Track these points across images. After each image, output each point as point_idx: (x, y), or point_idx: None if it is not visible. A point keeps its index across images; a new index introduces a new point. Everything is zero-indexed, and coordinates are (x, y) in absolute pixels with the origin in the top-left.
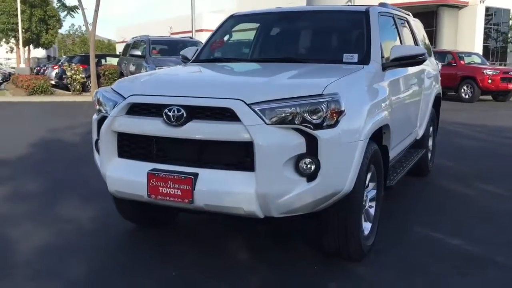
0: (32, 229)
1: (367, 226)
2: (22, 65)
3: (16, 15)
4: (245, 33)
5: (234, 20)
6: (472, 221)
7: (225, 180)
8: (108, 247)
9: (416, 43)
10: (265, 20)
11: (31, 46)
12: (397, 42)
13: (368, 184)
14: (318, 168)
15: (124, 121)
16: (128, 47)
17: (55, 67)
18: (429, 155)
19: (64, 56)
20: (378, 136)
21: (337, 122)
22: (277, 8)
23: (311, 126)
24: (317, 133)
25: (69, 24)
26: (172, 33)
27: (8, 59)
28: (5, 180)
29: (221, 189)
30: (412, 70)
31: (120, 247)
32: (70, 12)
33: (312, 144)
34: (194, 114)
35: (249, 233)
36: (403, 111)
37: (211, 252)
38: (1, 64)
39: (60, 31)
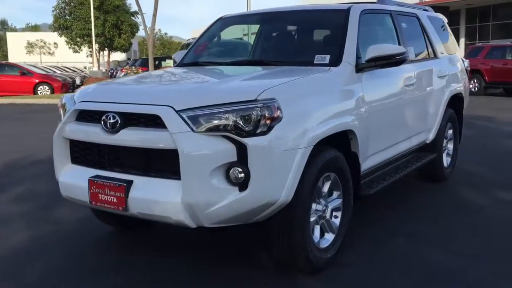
0: (12, 231)
1: (328, 238)
2: (95, 69)
3: (91, 21)
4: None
5: (222, 22)
6: (466, 234)
7: (156, 189)
8: (78, 250)
9: (428, 41)
10: (250, 22)
11: (108, 49)
12: (392, 41)
13: (332, 193)
14: (248, 177)
15: (73, 128)
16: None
17: (123, 70)
18: (446, 160)
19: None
20: (346, 142)
21: (269, 129)
22: (262, 9)
23: (244, 133)
24: (246, 140)
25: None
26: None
27: (91, 62)
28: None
29: (151, 198)
30: (411, 69)
31: (90, 251)
32: (131, 17)
33: (242, 152)
34: (129, 121)
35: (219, 240)
36: (391, 114)
37: (177, 258)
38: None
39: (141, 34)
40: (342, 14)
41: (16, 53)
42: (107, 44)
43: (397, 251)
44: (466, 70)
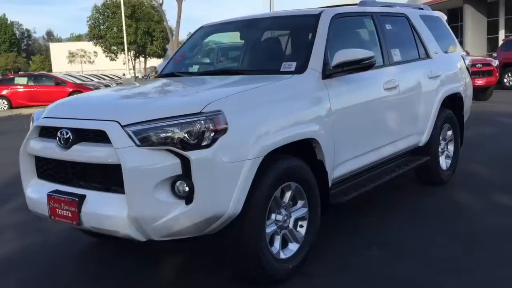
0: (1, 241)
1: (291, 248)
2: (128, 76)
3: (126, 30)
4: None
5: (204, 31)
6: (448, 244)
7: (105, 203)
8: (60, 260)
9: (420, 41)
10: (227, 30)
11: (144, 56)
12: (372, 45)
13: (296, 202)
14: (192, 190)
15: (34, 144)
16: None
17: (154, 76)
18: (446, 162)
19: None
20: (312, 151)
21: (213, 141)
22: (240, 17)
23: (188, 146)
24: (189, 154)
25: (186, 33)
26: None
27: (131, 69)
28: None
29: (101, 212)
30: (393, 72)
31: (72, 261)
32: (157, 24)
33: (187, 166)
34: (81, 137)
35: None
36: (366, 119)
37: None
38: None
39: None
40: (312, 20)
41: (59, 63)
42: (141, 51)
43: (366, 262)
44: (467, 68)
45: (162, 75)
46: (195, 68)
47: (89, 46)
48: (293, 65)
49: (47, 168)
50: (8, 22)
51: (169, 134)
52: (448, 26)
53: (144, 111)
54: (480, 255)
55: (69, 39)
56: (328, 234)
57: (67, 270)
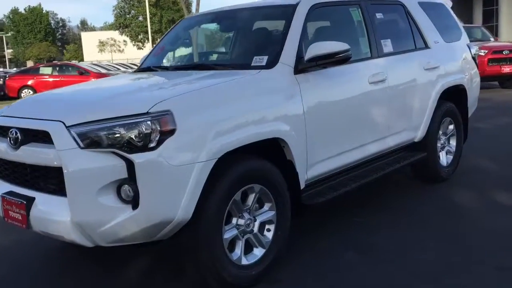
0: None
1: (256, 253)
2: None
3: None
4: None
5: (185, 23)
6: (433, 247)
7: (52, 207)
8: (23, 260)
9: (417, 30)
10: (206, 22)
11: None
12: (358, 36)
13: (263, 205)
14: (138, 195)
15: None
16: None
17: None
18: (447, 158)
19: None
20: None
21: (159, 143)
22: (219, 8)
23: (134, 148)
24: (133, 156)
25: None
26: None
27: None
28: None
29: (47, 216)
30: (381, 64)
31: (33, 262)
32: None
33: (132, 169)
34: (29, 137)
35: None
36: (347, 116)
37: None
38: None
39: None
40: (289, 10)
41: (90, 52)
42: None
43: (341, 267)
44: (473, 58)
45: (140, 69)
46: (171, 62)
47: (119, 35)
48: (264, 59)
49: (4, 169)
50: (44, 11)
51: (114, 136)
52: (452, 13)
53: (91, 111)
54: (467, 262)
55: (102, 28)
56: (307, 236)
57: (31, 269)
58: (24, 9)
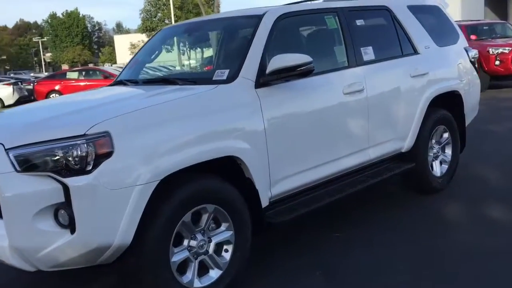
0: None
1: (212, 275)
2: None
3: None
4: None
5: (163, 33)
6: (404, 267)
7: None
8: None
9: (405, 35)
10: (179, 33)
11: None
12: (334, 44)
13: (220, 224)
14: (73, 219)
15: None
16: None
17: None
18: (441, 168)
19: None
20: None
21: (95, 166)
22: (193, 19)
23: (70, 171)
24: (68, 180)
25: None
26: None
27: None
28: None
29: None
30: (357, 74)
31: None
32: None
33: (68, 193)
34: None
35: None
36: (317, 129)
37: None
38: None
39: None
40: (254, 22)
41: (123, 55)
42: None
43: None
44: (471, 62)
45: (115, 82)
46: (141, 75)
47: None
48: (225, 73)
49: None
50: (80, 16)
51: (51, 159)
52: (449, 16)
53: (30, 133)
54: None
55: (137, 31)
56: (277, 255)
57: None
58: (62, 14)
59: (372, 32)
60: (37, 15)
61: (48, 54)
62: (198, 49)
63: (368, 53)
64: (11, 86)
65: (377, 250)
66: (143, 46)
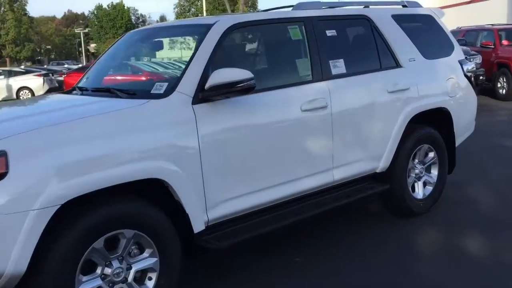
0: None
1: None
2: None
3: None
4: None
5: (124, 39)
6: None
7: None
8: None
9: (386, 47)
10: (138, 39)
11: None
12: (295, 58)
13: (144, 250)
14: None
15: None
16: None
17: None
18: (424, 190)
19: None
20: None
21: None
22: (156, 24)
23: None
24: None
25: None
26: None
27: None
28: None
29: None
30: (321, 89)
31: None
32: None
33: None
34: None
35: None
36: (264, 150)
37: None
38: None
39: None
40: (202, 31)
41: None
42: None
43: None
44: (466, 76)
45: (71, 88)
46: (92, 84)
47: None
48: (163, 87)
49: None
50: (125, 8)
51: None
52: (443, 26)
53: None
54: None
55: None
56: (231, 277)
57: None
58: (107, 6)
59: (346, 43)
60: (85, 6)
61: (93, 45)
62: (153, 58)
63: (338, 66)
64: (42, 77)
65: (336, 278)
66: (105, 51)
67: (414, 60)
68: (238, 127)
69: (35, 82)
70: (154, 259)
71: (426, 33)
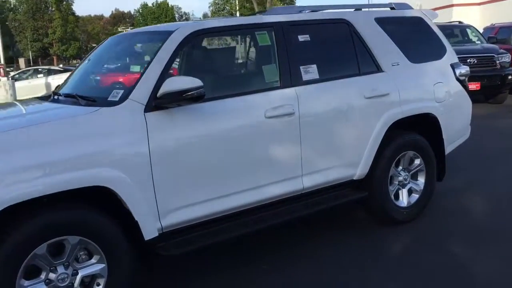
0: None
1: None
2: None
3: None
4: None
5: (106, 43)
6: None
7: None
8: None
9: (366, 51)
10: (117, 43)
11: None
12: (263, 64)
13: (92, 256)
14: None
15: None
16: None
17: None
18: (409, 198)
19: None
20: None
21: None
22: (128, 31)
23: None
24: None
25: None
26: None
27: None
28: None
29: None
30: (291, 95)
31: None
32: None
33: None
34: None
35: None
36: (222, 157)
37: None
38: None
39: None
40: (162, 37)
41: None
42: None
43: None
44: (459, 79)
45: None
46: (66, 89)
47: None
48: (119, 94)
49: None
50: (169, 6)
51: None
52: (434, 28)
53: None
54: None
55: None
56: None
57: None
58: (152, 4)
59: (320, 48)
60: (132, 5)
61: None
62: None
63: (310, 72)
64: None
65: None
66: (87, 55)
67: (397, 64)
68: (193, 134)
69: None
70: (101, 265)
71: (414, 36)
